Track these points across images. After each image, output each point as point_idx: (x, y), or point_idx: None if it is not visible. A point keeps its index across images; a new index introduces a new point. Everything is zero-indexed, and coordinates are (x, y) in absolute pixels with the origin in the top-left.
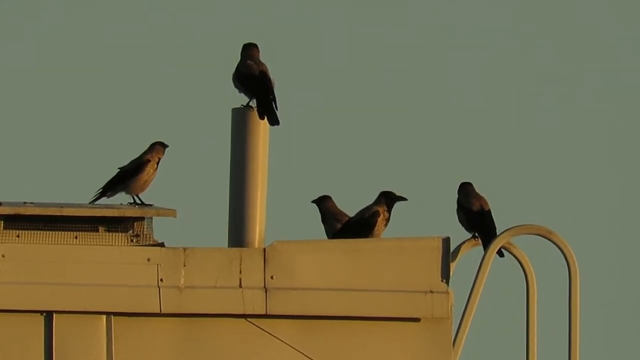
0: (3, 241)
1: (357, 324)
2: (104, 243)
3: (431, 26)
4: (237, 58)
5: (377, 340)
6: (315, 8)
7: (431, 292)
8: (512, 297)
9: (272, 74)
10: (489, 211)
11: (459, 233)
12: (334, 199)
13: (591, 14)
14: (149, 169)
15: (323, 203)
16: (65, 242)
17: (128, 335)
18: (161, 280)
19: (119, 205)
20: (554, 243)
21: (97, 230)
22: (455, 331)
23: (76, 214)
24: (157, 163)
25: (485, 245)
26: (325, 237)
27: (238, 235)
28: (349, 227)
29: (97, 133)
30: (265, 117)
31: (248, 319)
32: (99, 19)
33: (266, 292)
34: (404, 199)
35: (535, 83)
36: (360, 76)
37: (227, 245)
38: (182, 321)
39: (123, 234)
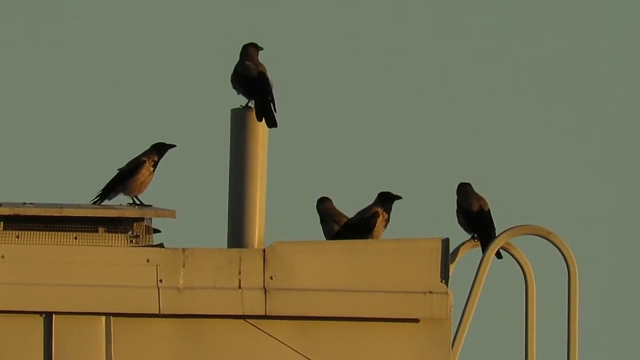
0: (3, 242)
1: (356, 325)
2: (103, 244)
3: (430, 26)
4: (236, 58)
5: (376, 341)
6: (315, 8)
7: (430, 292)
8: (511, 298)
9: (271, 75)
10: (489, 211)
11: (458, 234)
12: (333, 200)
13: (592, 13)
14: (144, 170)
15: (321, 204)
16: (64, 243)
17: (127, 336)
18: (160, 281)
19: (119, 206)
20: (553, 243)
21: (97, 231)
22: (455, 332)
23: (76, 215)
24: (155, 164)
25: (485, 246)
26: (324, 238)
27: (237, 235)
28: (349, 228)
29: (97, 133)
30: (263, 119)
31: (247, 320)
32: (98, 19)
33: (265, 292)
34: (398, 197)
35: (535, 83)
36: (359, 77)
37: (226, 246)
38: (181, 322)
39: (122, 235)
